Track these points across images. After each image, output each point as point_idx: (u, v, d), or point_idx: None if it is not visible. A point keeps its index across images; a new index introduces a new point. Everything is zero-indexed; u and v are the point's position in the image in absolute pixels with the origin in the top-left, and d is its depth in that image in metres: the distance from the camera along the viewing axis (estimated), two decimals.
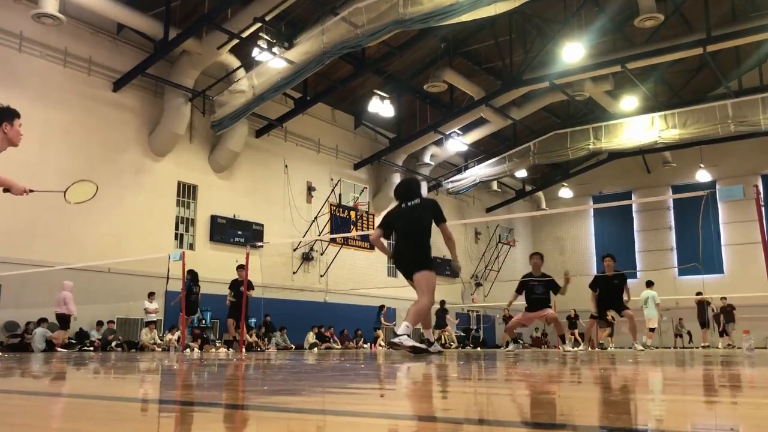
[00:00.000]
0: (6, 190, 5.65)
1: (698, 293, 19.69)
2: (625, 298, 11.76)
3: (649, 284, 16.53)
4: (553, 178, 31.47)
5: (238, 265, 14.06)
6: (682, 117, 21.49)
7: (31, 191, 5.92)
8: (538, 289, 11.04)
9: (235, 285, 14.00)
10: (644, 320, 15.64)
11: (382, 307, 21.29)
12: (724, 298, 20.59)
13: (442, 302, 22.32)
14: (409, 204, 7.10)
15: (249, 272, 11.99)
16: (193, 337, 16.07)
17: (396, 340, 6.34)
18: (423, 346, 6.64)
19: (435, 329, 22.21)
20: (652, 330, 15.61)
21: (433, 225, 7.19)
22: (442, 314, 21.97)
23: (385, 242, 7.20)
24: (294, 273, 20.88)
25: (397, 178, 24.57)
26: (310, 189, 21.87)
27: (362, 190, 23.67)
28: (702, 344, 19.84)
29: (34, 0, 14.05)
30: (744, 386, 2.81)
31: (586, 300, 12.41)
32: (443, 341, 24.82)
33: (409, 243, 6.99)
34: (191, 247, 18.10)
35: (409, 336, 6.36)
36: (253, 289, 13.87)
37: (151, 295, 15.61)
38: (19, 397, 2.33)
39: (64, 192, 6.83)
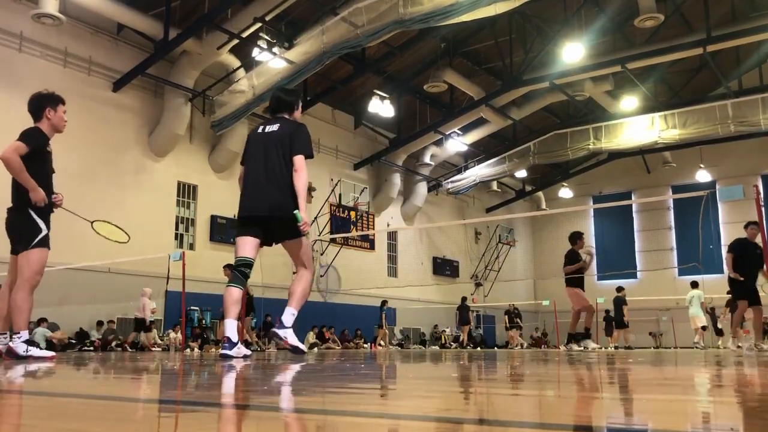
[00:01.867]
0: (25, 192, 5.61)
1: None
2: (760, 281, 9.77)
3: (695, 285, 16.36)
4: (553, 178, 31.49)
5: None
6: (682, 117, 21.50)
7: (51, 205, 5.88)
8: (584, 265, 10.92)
9: None
10: (690, 320, 15.64)
11: (384, 302, 21.22)
12: None
13: (464, 298, 22.33)
14: (267, 129, 5.31)
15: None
16: (193, 337, 16.08)
17: (281, 333, 5.19)
18: (303, 347, 5.52)
19: (460, 325, 22.27)
20: (704, 329, 15.65)
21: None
22: (465, 311, 21.89)
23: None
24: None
25: (397, 179, 24.59)
26: (310, 189, 21.86)
27: (362, 190, 23.68)
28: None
29: (34, 0, 14.06)
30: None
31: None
32: (443, 341, 24.82)
33: (273, 190, 5.14)
34: (191, 247, 18.11)
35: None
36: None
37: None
38: (19, 397, 2.33)
39: (92, 222, 6.78)
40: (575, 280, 11.00)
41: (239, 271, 5.22)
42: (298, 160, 5.10)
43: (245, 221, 5.24)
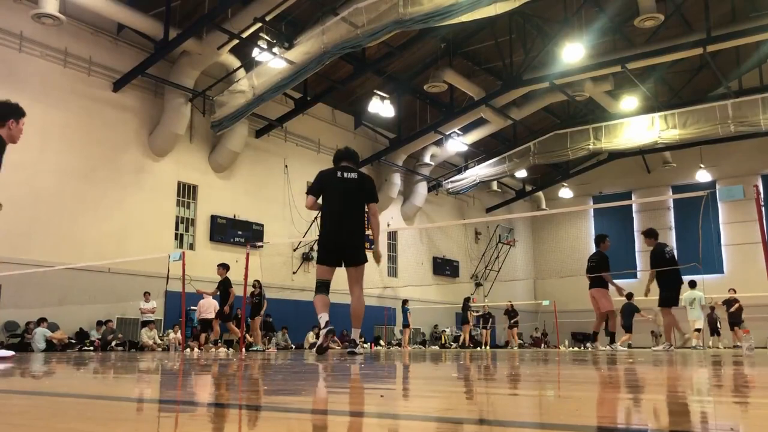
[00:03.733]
0: None
1: (731, 289, 19.53)
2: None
3: (693, 285, 16.09)
4: (553, 178, 31.48)
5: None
6: (682, 117, 21.48)
7: None
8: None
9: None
10: (689, 322, 15.59)
11: (405, 301, 21.31)
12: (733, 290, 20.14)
13: (466, 299, 22.43)
14: (347, 175, 6.54)
15: (248, 272, 11.91)
16: (193, 337, 16.07)
17: (357, 350, 6.85)
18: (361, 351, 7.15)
19: (462, 325, 22.39)
20: (698, 330, 15.65)
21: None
22: (465, 311, 22.03)
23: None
24: (294, 273, 20.89)
25: (397, 179, 24.58)
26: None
27: None
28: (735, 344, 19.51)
29: (34, 0, 14.05)
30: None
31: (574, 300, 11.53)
32: (443, 341, 24.82)
33: (353, 226, 6.50)
34: (191, 247, 18.10)
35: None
36: (231, 287, 14.17)
37: (146, 295, 15.63)
38: (19, 397, 2.33)
39: None
40: (604, 281, 10.88)
41: (324, 287, 6.44)
42: (375, 207, 6.64)
43: (329, 250, 6.42)
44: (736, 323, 19.14)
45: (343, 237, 6.41)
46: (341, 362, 5.31)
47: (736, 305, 19.31)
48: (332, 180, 6.51)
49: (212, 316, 15.03)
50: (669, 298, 10.17)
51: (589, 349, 11.05)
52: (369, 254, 6.71)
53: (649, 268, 10.41)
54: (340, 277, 6.58)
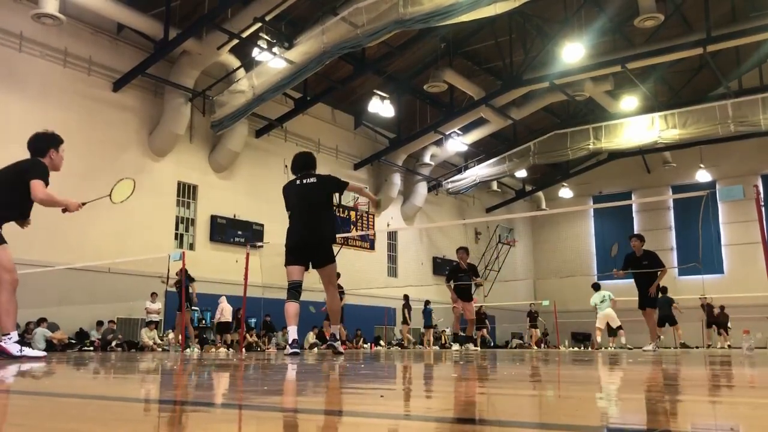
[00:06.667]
0: (64, 210, 5.88)
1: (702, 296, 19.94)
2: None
3: (598, 287, 16.94)
4: (553, 178, 31.47)
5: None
6: (682, 117, 21.49)
7: (83, 204, 6.05)
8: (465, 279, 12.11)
9: None
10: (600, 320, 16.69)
11: (427, 302, 21.42)
12: (704, 297, 20.71)
13: (427, 302, 22.50)
14: (305, 181, 6.81)
15: (249, 272, 11.88)
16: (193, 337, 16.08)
17: (337, 345, 7.10)
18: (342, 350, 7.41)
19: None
20: (620, 328, 16.37)
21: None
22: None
23: None
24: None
25: (397, 179, 24.59)
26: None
27: None
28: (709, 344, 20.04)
29: (34, 0, 14.06)
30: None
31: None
32: (443, 341, 24.81)
33: (314, 225, 6.64)
34: (191, 247, 18.10)
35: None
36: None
37: (153, 295, 15.61)
38: (20, 398, 2.33)
39: (110, 195, 6.96)
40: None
41: (294, 291, 6.57)
42: (351, 184, 6.97)
43: (293, 250, 6.57)
44: (717, 324, 19.75)
45: (305, 236, 6.55)
46: (341, 363, 5.32)
47: (717, 310, 19.87)
48: (292, 189, 6.88)
49: (230, 319, 15.10)
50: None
51: (470, 350, 11.95)
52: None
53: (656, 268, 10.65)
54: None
